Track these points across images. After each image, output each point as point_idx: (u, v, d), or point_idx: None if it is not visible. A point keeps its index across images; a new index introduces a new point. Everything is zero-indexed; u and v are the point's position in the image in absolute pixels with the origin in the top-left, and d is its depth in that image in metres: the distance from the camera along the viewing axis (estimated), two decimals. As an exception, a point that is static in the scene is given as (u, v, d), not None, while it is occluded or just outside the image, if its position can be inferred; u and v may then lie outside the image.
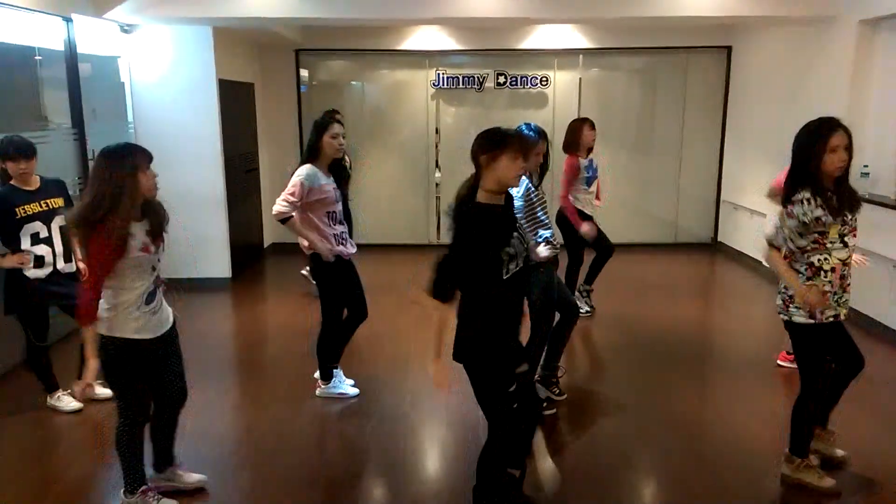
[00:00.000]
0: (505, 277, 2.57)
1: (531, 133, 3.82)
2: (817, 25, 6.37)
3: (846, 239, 3.02)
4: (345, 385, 4.33)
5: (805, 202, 2.94)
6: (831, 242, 2.99)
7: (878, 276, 5.42)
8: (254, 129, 8.13)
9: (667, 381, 4.63)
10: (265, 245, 8.45)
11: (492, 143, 2.58)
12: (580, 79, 8.62)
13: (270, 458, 3.62)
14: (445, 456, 3.73)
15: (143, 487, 3.00)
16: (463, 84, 8.58)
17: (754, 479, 3.38)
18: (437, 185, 8.78)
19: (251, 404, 4.40)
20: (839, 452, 3.42)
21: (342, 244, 4.09)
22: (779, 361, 4.75)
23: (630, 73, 8.88)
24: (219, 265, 7.00)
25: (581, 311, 5.74)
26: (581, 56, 8.54)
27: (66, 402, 4.14)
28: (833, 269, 3.01)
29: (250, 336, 5.84)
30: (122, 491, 3.00)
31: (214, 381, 4.65)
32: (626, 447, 3.74)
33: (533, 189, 3.80)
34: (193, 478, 3.24)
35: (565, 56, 8.53)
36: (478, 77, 8.54)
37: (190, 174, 6.72)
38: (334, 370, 4.31)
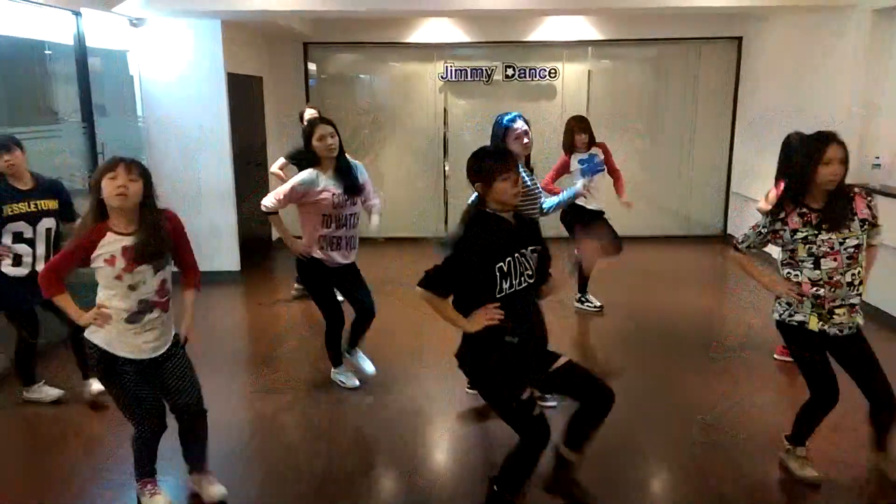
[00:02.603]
0: (498, 295, 2.57)
1: (509, 119, 3.83)
2: (830, 15, 6.30)
3: (822, 261, 2.97)
4: (345, 375, 4.35)
5: (770, 215, 3.05)
6: (800, 261, 3.01)
7: (892, 268, 5.37)
8: (262, 123, 8.14)
9: (675, 370, 4.63)
10: (273, 238, 8.47)
11: (480, 174, 2.59)
12: (589, 71, 8.57)
13: (282, 450, 3.64)
14: (457, 449, 3.73)
15: (144, 479, 3.03)
16: (471, 76, 8.55)
17: (760, 466, 3.38)
18: (445, 178, 8.77)
19: (262, 396, 4.41)
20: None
21: (335, 249, 4.04)
22: (775, 356, 4.74)
23: (640, 65, 8.82)
24: (228, 258, 7.03)
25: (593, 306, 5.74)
26: (590, 48, 8.49)
27: (46, 391, 4.13)
28: (800, 285, 3.03)
29: (260, 328, 5.86)
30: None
31: (225, 373, 4.67)
32: (634, 435, 3.74)
33: (528, 182, 3.73)
34: (214, 491, 3.12)
35: (574, 48, 8.48)
36: (486, 69, 8.51)
37: (199, 168, 6.75)
38: (350, 354, 4.37)
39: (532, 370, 2.72)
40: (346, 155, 4.09)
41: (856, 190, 3.01)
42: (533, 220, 2.75)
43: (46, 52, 5.52)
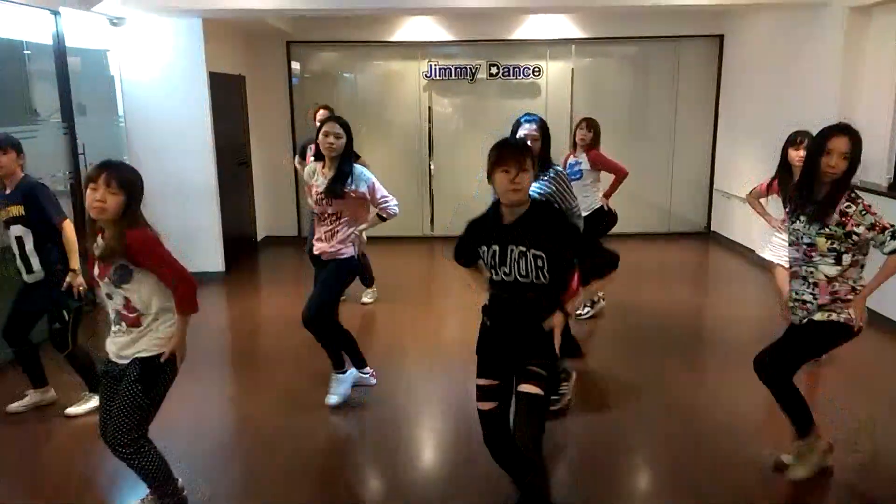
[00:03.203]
0: (492, 279, 2.67)
1: (528, 120, 3.85)
2: (808, 12, 6.36)
3: (793, 248, 3.00)
4: (335, 388, 4.17)
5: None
6: (787, 241, 3.04)
7: (872, 262, 5.44)
8: (245, 122, 8.10)
9: (663, 366, 4.66)
10: (258, 238, 8.43)
11: (488, 161, 2.63)
12: (572, 69, 8.60)
13: (265, 449, 3.63)
14: (440, 445, 3.74)
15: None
16: (455, 75, 8.55)
17: (749, 461, 3.40)
18: (430, 176, 8.77)
19: (246, 396, 4.40)
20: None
21: (316, 239, 4.09)
22: None
23: (622, 63, 8.87)
24: (212, 258, 6.98)
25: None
26: (573, 46, 8.53)
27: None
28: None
29: (244, 328, 5.83)
30: None
31: (209, 374, 4.65)
32: (624, 431, 3.78)
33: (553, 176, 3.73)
34: None
35: (557, 46, 8.51)
36: (470, 68, 8.51)
37: (181, 167, 6.70)
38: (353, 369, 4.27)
39: (502, 364, 2.72)
40: (357, 163, 4.05)
41: (852, 196, 2.90)
42: (545, 222, 2.60)
43: (25, 51, 5.45)
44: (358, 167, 4.02)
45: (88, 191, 2.60)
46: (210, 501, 3.16)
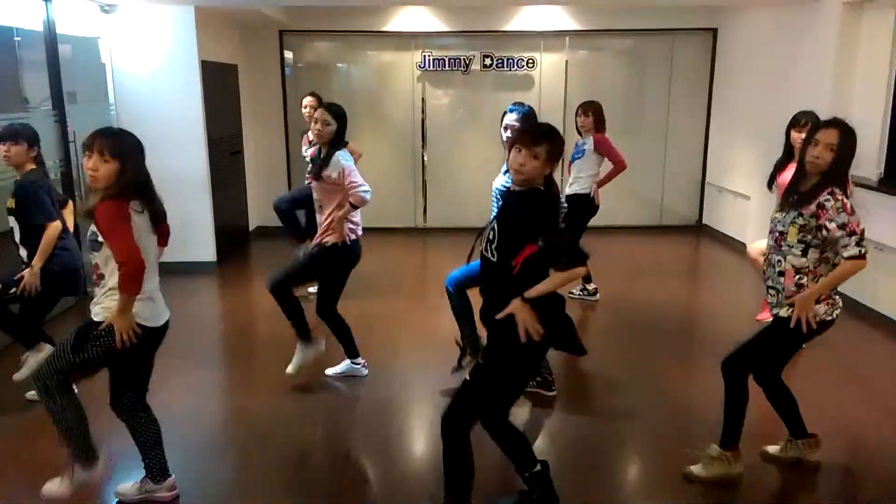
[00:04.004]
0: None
1: (513, 109, 3.90)
2: (802, 7, 6.38)
3: (769, 235, 3.03)
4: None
5: None
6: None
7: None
8: (238, 112, 8.05)
9: (655, 360, 4.68)
10: (250, 228, 8.41)
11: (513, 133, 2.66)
12: (566, 61, 8.60)
13: (258, 441, 3.63)
14: (433, 438, 3.74)
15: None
16: (449, 66, 8.53)
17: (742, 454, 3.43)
18: (423, 167, 8.75)
19: (238, 387, 4.40)
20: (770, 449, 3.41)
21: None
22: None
23: (616, 56, 8.86)
24: (204, 248, 6.95)
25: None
26: (567, 38, 8.51)
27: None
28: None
29: (237, 320, 5.82)
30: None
31: (201, 365, 4.65)
32: (616, 425, 3.79)
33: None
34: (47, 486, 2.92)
35: (552, 38, 8.49)
36: (464, 59, 8.49)
37: (173, 157, 6.63)
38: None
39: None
40: (344, 148, 4.06)
41: (833, 191, 2.84)
42: (516, 203, 2.58)
43: (15, 38, 5.40)
44: (339, 154, 4.00)
45: (84, 158, 2.66)
46: (204, 490, 3.17)
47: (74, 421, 2.80)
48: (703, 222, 8.80)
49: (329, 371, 4.37)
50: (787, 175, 3.61)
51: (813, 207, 2.85)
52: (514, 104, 4.00)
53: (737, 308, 5.81)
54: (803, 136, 3.91)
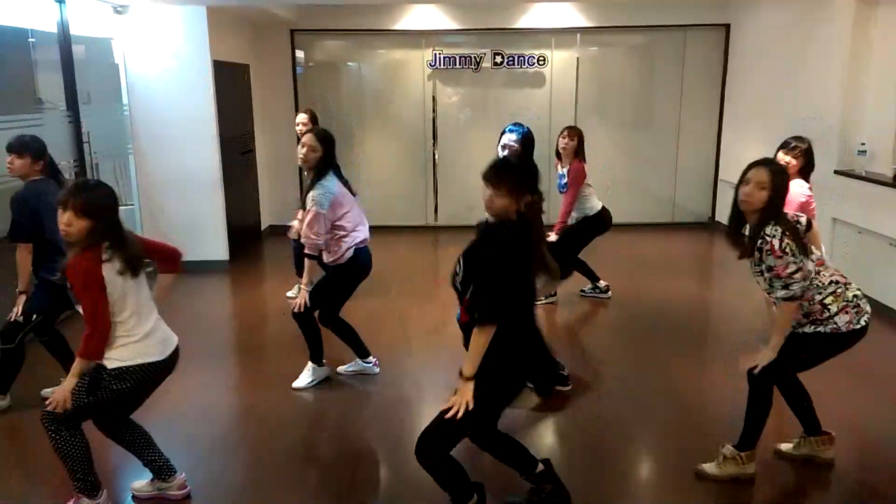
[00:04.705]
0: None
1: (512, 130, 3.89)
2: (815, 2, 6.32)
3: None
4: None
5: None
6: None
7: (875, 253, 5.44)
8: (249, 111, 8.09)
9: (665, 356, 4.67)
10: (262, 227, 8.45)
11: None
12: (578, 58, 8.57)
13: (269, 438, 3.65)
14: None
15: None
16: (460, 64, 8.52)
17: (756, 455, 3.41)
18: (434, 166, 8.76)
19: (250, 385, 4.43)
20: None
21: None
22: None
23: (628, 52, 8.82)
24: (216, 247, 7.00)
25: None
26: (579, 35, 8.48)
27: None
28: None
29: (249, 318, 5.86)
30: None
31: (213, 363, 4.68)
32: (626, 420, 3.79)
33: None
34: None
35: (563, 35, 8.46)
36: (474, 57, 8.48)
37: (186, 156, 6.71)
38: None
39: None
40: (331, 175, 3.98)
41: (765, 232, 2.84)
42: (480, 238, 2.61)
43: (30, 39, 5.46)
44: (321, 187, 3.90)
45: (59, 211, 2.66)
46: (216, 487, 3.20)
47: (81, 453, 2.85)
48: (716, 219, 8.75)
49: (341, 369, 4.39)
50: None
51: (757, 255, 2.90)
52: (514, 124, 4.02)
53: (749, 305, 5.77)
54: (787, 158, 3.94)
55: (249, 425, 3.88)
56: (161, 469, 3.06)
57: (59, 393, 2.74)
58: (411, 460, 3.46)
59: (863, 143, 5.69)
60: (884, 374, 4.38)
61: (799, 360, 3.08)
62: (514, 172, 2.59)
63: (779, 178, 2.87)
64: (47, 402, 2.76)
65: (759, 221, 2.89)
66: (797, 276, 2.82)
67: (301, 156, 3.90)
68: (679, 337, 5.09)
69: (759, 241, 2.85)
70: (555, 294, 5.66)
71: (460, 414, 2.48)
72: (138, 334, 2.80)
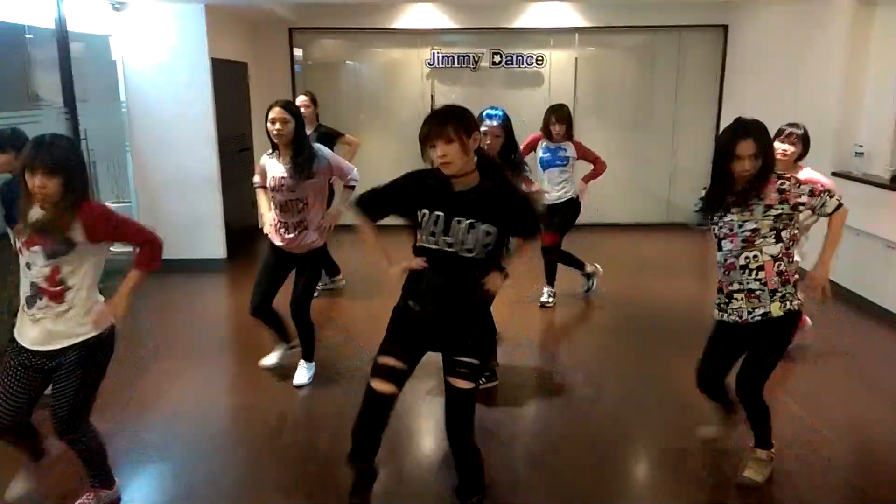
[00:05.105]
0: (415, 245, 2.64)
1: (490, 115, 3.87)
2: (814, 3, 6.34)
3: (722, 242, 3.03)
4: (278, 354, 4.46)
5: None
6: (714, 239, 3.08)
7: (872, 255, 5.45)
8: (248, 109, 8.07)
9: (665, 356, 4.68)
10: (260, 225, 8.43)
11: (419, 138, 2.62)
12: (576, 58, 8.57)
13: (267, 438, 3.65)
14: (440, 433, 3.75)
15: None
16: (458, 63, 8.52)
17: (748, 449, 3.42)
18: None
19: (247, 384, 4.41)
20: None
21: (277, 231, 4.04)
22: None
23: (626, 52, 8.83)
24: (213, 246, 6.98)
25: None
26: (577, 34, 8.49)
27: None
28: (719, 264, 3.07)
29: (246, 316, 5.81)
30: None
31: (211, 361, 4.67)
32: (624, 420, 3.80)
33: None
34: None
35: (561, 34, 8.47)
36: (473, 56, 8.48)
37: (184, 154, 6.69)
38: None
39: (421, 348, 2.77)
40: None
41: (779, 174, 2.94)
42: (499, 195, 2.57)
43: (27, 35, 5.44)
44: (319, 151, 3.96)
45: (27, 174, 2.49)
46: (213, 487, 3.19)
47: (102, 446, 2.85)
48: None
49: (263, 362, 4.47)
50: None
51: (776, 195, 2.88)
52: (491, 108, 4.01)
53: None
54: (785, 146, 3.93)
55: (248, 424, 3.87)
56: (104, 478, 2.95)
57: (113, 307, 2.68)
58: (409, 460, 3.47)
59: (860, 146, 5.71)
60: (882, 375, 4.40)
61: (779, 354, 3.08)
62: (455, 112, 2.55)
63: (763, 137, 2.88)
64: (92, 318, 2.65)
65: (757, 179, 2.88)
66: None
67: (275, 132, 3.77)
68: (678, 337, 5.09)
69: (779, 183, 2.88)
70: (554, 296, 5.67)
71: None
72: (102, 298, 2.75)
